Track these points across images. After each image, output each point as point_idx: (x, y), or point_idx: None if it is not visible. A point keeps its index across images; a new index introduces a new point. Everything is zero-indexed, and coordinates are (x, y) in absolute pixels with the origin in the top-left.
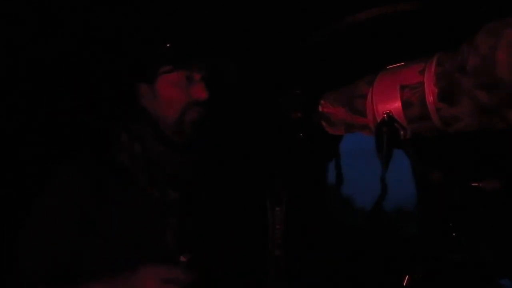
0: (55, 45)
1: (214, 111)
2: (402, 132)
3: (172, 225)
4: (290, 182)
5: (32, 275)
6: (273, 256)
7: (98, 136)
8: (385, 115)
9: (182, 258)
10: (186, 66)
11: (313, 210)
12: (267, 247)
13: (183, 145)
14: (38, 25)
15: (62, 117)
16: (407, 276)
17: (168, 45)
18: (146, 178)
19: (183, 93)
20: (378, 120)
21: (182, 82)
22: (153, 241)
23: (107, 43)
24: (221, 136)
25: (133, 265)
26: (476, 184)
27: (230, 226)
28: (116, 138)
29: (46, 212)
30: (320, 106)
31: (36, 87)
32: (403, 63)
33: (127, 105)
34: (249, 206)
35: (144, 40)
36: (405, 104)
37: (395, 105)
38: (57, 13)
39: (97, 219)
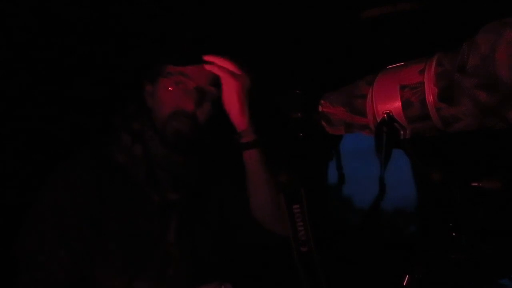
0: (61, 41)
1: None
2: (402, 132)
3: (174, 226)
4: (306, 179)
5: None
6: (300, 253)
7: (99, 135)
8: (385, 115)
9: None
10: (180, 72)
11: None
12: (285, 246)
13: (184, 148)
14: (43, 23)
15: (64, 114)
16: (407, 276)
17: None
18: (145, 181)
19: (172, 99)
20: (378, 120)
21: (176, 89)
22: (154, 242)
23: (116, 39)
24: (225, 136)
25: (133, 266)
26: (476, 184)
27: (236, 226)
28: (117, 137)
29: (50, 210)
30: (320, 106)
31: (37, 84)
32: (403, 63)
33: (133, 102)
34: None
35: (151, 39)
36: (405, 104)
37: (395, 105)
38: (64, 11)
39: (99, 219)
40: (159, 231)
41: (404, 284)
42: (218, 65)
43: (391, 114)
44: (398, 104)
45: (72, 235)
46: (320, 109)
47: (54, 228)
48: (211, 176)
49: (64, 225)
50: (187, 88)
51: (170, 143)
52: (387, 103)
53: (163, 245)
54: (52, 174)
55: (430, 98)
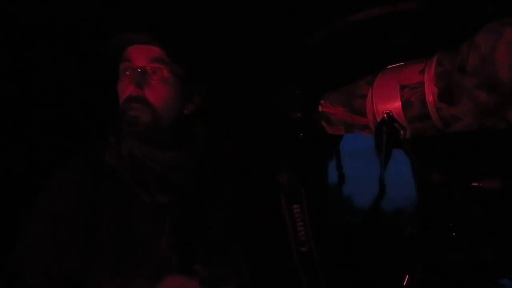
0: (60, 42)
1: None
2: (402, 132)
3: (166, 230)
4: (306, 179)
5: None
6: (300, 253)
7: (90, 138)
8: (385, 115)
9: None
10: (123, 58)
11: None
12: (285, 246)
13: (162, 142)
14: (43, 23)
15: (55, 118)
16: (407, 276)
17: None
18: (133, 180)
19: (122, 89)
20: (378, 120)
21: (123, 77)
22: (146, 246)
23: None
24: (220, 134)
25: (127, 271)
26: (476, 184)
27: (230, 228)
28: (106, 140)
29: (43, 216)
30: (320, 106)
31: (26, 90)
32: (403, 63)
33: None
34: (250, 207)
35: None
36: (405, 104)
37: (395, 105)
38: (63, 11)
39: (93, 223)
40: (152, 233)
41: (404, 284)
42: None
43: (391, 114)
44: (398, 104)
45: (66, 241)
46: (320, 109)
47: (48, 234)
48: (211, 182)
49: (58, 230)
50: (130, 72)
51: (133, 134)
52: (387, 103)
53: (157, 247)
54: (47, 180)
55: (430, 98)
